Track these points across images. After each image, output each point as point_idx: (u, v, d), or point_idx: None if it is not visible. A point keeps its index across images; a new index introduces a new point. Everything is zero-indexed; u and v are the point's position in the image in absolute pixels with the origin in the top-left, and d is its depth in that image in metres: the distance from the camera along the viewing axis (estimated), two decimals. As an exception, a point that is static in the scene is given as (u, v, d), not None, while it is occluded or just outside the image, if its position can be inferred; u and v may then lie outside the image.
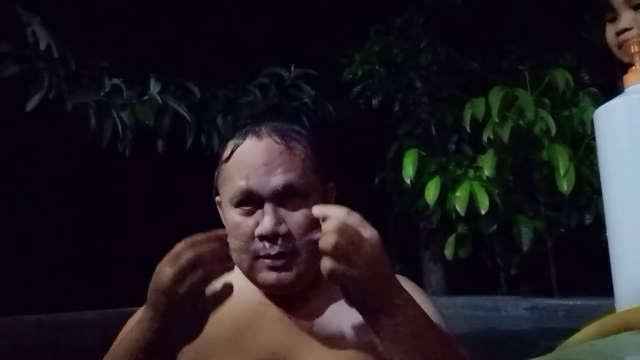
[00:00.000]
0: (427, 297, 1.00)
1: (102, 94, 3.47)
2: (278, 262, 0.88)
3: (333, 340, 0.91)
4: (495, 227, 3.08)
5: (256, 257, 0.89)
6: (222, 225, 0.98)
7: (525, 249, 3.06)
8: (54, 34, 3.26)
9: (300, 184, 0.90)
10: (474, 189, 2.97)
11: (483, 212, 2.92)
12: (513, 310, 2.84)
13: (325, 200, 0.97)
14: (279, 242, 0.88)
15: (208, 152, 3.72)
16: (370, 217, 0.86)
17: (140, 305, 0.86)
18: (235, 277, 1.00)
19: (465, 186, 3.00)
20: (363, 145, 4.32)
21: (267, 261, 0.88)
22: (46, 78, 3.22)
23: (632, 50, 0.82)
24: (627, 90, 0.79)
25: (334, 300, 0.94)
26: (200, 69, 4.44)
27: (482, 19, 4.17)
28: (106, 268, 3.72)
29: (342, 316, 0.92)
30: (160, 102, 3.58)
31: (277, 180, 0.88)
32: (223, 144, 0.99)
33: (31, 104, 3.14)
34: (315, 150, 0.96)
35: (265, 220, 0.87)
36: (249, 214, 0.90)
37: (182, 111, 3.63)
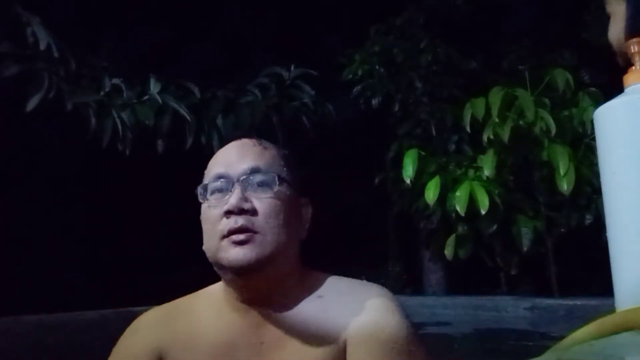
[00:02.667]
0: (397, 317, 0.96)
1: (102, 94, 3.47)
2: (241, 236, 0.90)
3: None
4: (495, 227, 3.08)
5: (222, 236, 0.92)
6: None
7: (525, 249, 3.06)
8: (54, 34, 3.26)
9: (268, 170, 0.96)
10: (474, 189, 2.97)
11: (483, 212, 2.92)
12: (513, 310, 2.84)
13: (298, 212, 1.00)
14: (244, 217, 0.91)
15: (208, 152, 3.71)
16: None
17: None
18: (214, 299, 1.01)
19: (465, 186, 3.00)
20: (363, 145, 4.32)
21: (232, 237, 0.91)
22: (46, 78, 3.22)
23: (632, 50, 0.82)
24: (627, 90, 0.79)
25: (310, 324, 0.95)
26: (200, 69, 4.44)
27: (482, 19, 4.17)
28: (106, 268, 3.72)
29: (318, 342, 0.93)
30: (160, 102, 3.58)
31: (246, 163, 0.96)
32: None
33: (31, 104, 3.14)
34: (287, 162, 1.01)
35: (233, 196, 0.92)
36: (221, 198, 0.94)
37: (182, 111, 3.63)
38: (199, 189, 0.97)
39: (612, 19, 1.14)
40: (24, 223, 3.51)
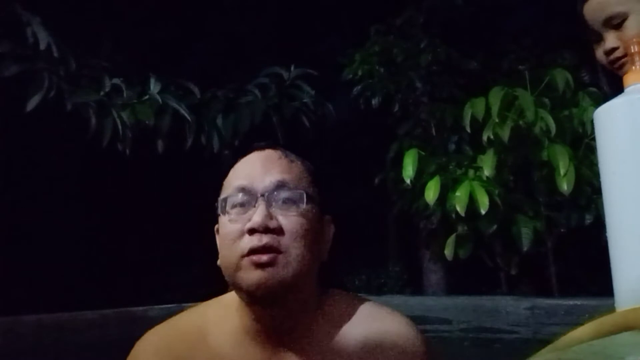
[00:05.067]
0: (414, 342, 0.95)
1: (102, 94, 3.47)
2: (264, 257, 0.83)
3: None
4: (495, 227, 3.08)
5: (242, 254, 0.84)
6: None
7: (525, 249, 3.06)
8: (54, 34, 3.26)
9: (295, 185, 0.89)
10: (474, 189, 2.97)
11: (483, 212, 2.92)
12: (513, 310, 2.84)
13: (321, 232, 0.94)
14: (269, 235, 0.84)
15: (208, 152, 3.72)
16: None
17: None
18: (228, 322, 0.95)
19: (465, 186, 3.00)
20: (363, 145, 4.33)
21: (253, 257, 0.83)
22: (46, 78, 3.22)
23: (632, 50, 0.82)
24: (627, 90, 0.79)
25: (329, 354, 0.91)
26: (200, 69, 4.45)
27: (482, 19, 4.17)
28: (106, 268, 3.72)
29: None
30: (160, 102, 3.58)
31: (272, 177, 0.89)
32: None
33: (31, 104, 3.14)
34: (313, 177, 0.95)
35: (257, 213, 0.85)
36: (243, 213, 0.87)
37: (182, 111, 3.63)
38: (219, 202, 0.90)
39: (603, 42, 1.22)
40: (24, 223, 3.51)
